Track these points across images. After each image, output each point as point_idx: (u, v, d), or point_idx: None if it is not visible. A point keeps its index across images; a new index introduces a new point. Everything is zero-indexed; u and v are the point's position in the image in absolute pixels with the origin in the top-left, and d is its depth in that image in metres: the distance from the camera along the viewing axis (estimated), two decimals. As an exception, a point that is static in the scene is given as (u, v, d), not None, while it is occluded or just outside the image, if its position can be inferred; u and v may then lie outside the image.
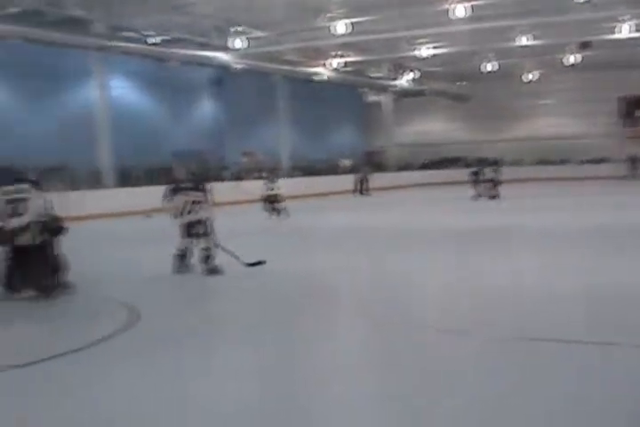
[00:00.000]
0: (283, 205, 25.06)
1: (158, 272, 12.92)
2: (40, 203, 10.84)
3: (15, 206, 10.67)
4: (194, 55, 34.40)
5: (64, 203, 23.73)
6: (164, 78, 37.43)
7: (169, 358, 7.31)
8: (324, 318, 9.06)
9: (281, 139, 42.97)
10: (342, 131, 54.13)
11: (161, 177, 32.23)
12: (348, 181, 40.30)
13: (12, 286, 10.79)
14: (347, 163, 47.87)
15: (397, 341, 7.82)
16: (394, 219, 24.36)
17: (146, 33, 32.90)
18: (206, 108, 43.96)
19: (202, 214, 12.74)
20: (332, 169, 45.59)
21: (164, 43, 33.25)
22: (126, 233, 22.00)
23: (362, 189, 39.71)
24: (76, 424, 5.61)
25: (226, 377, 6.60)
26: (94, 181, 31.57)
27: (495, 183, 31.92)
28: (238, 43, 33.41)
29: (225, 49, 34.39)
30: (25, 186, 10.93)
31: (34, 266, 10.73)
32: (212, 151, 40.52)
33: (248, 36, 34.28)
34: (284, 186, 26.45)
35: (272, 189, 25.16)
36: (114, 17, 30.68)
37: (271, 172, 27.57)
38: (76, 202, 26.50)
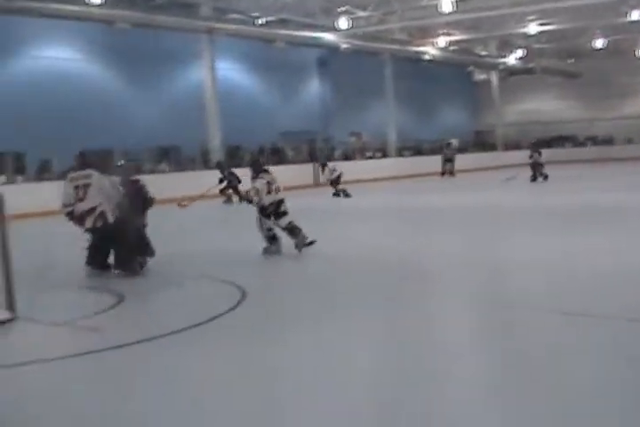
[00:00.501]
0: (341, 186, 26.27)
1: (250, 252, 13.02)
2: (104, 187, 11.12)
3: (81, 191, 11.04)
4: (300, 36, 34.53)
5: (170, 184, 24.47)
6: (271, 59, 37.63)
7: (283, 335, 7.42)
8: (429, 300, 9.06)
9: (388, 118, 42.81)
10: (450, 110, 53.72)
11: (269, 157, 32.66)
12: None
13: (95, 265, 11.27)
14: (455, 142, 47.56)
15: (513, 323, 7.67)
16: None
17: (252, 14, 33.15)
18: (313, 89, 44.09)
19: (282, 194, 12.95)
20: (440, 149, 45.30)
21: (271, 24, 33.44)
22: (230, 214, 22.29)
23: (449, 169, 39.21)
24: (188, 397, 5.85)
25: (336, 355, 6.62)
26: (204, 161, 32.05)
27: (534, 165, 30.63)
28: (344, 23, 33.34)
29: (331, 29, 34.41)
30: (89, 172, 11.26)
31: (107, 246, 11.18)
32: (320, 132, 40.71)
33: (354, 15, 34.27)
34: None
35: (335, 171, 26.28)
36: (221, -1, 31.10)
37: (327, 157, 27.91)
38: (186, 182, 26.95)
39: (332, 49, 38.04)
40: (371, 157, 40.91)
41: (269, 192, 12.77)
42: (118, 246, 11.11)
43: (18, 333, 8.07)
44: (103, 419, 5.29)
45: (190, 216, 21.45)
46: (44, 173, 26.72)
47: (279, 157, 35.43)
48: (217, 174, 25.80)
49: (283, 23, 33.84)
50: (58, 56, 30.88)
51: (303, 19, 34.29)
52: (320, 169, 26.47)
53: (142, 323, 8.34)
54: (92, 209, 10.92)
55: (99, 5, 26.66)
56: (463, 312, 8.37)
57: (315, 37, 35.05)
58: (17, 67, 29.98)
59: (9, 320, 8.16)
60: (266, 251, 12.86)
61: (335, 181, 26.43)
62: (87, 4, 26.33)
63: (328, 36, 35.22)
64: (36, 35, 29.92)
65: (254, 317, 8.30)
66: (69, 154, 24.11)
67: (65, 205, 11.15)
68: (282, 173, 25.60)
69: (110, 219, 10.97)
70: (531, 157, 30.71)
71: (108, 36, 30.19)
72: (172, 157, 32.26)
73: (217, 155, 31.65)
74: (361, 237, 15.11)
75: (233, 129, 31.89)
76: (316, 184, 32.83)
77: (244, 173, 17.35)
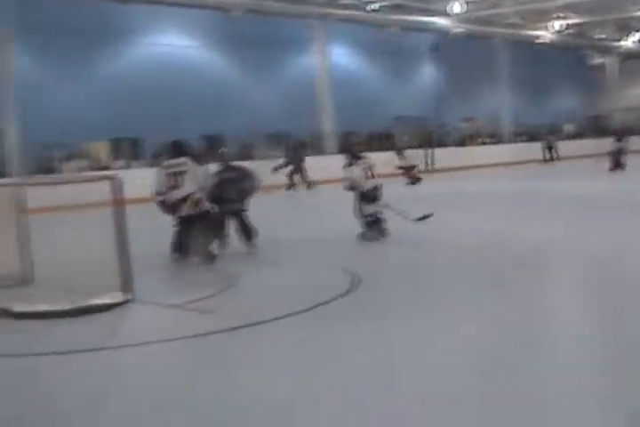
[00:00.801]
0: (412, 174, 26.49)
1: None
2: (198, 175, 11.26)
3: (175, 179, 11.16)
4: (413, 21, 34.37)
5: (283, 169, 24.69)
6: (384, 44, 37.45)
7: (393, 320, 7.40)
8: (536, 287, 8.92)
9: (502, 103, 42.35)
10: (565, 95, 52.66)
11: (382, 143, 32.66)
12: (565, 146, 39.47)
13: (180, 252, 11.33)
14: (570, 128, 46.73)
15: (621, 310, 7.52)
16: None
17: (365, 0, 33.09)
18: (426, 74, 43.78)
19: (379, 180, 13.17)
20: (551, 134, 44.54)
21: (384, 9, 33.32)
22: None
23: (551, 156, 38.63)
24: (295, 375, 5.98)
25: (452, 346, 6.51)
26: (316, 147, 32.18)
27: (614, 154, 29.23)
28: (457, 7, 33.02)
29: (444, 14, 34.14)
30: (183, 159, 11.39)
31: (195, 234, 11.23)
32: (432, 117, 40.44)
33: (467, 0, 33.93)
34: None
35: (406, 159, 26.48)
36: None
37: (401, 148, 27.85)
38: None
39: (445, 33, 37.74)
40: (484, 143, 40.56)
41: (367, 178, 12.89)
42: (199, 235, 11.19)
43: (133, 315, 8.28)
44: (215, 400, 5.38)
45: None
46: (158, 158, 27.20)
47: (391, 142, 35.36)
48: (328, 160, 26.04)
49: (396, 8, 33.67)
50: (173, 43, 31.32)
51: (416, 3, 34.05)
52: (397, 155, 26.44)
53: (254, 306, 8.42)
54: (187, 196, 11.07)
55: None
56: (576, 300, 8.25)
57: (428, 22, 34.85)
58: (134, 54, 30.53)
59: (125, 302, 8.35)
60: (363, 236, 12.93)
61: (409, 169, 26.32)
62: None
63: (441, 21, 34.98)
64: (151, 22, 30.44)
65: (365, 301, 8.35)
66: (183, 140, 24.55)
67: (157, 194, 11.29)
68: (392, 159, 25.98)
69: (204, 207, 11.11)
70: (614, 144, 29.74)
71: (222, 23, 30.56)
72: (283, 143, 32.44)
73: (329, 140, 31.78)
74: (465, 224, 14.95)
75: (345, 114, 31.95)
76: (427, 170, 32.70)
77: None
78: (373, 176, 13.04)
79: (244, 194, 12.06)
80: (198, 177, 11.26)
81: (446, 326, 7.06)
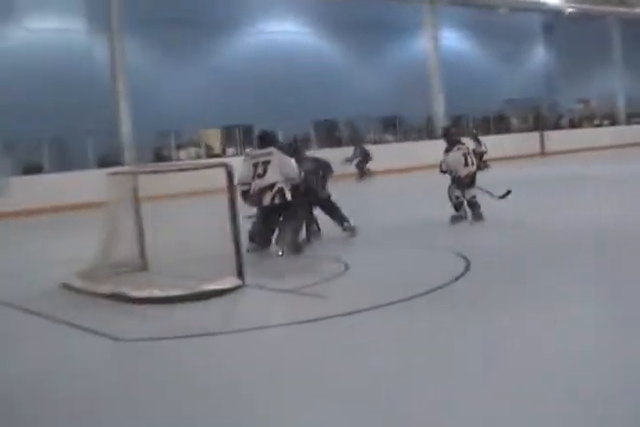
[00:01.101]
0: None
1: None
2: (283, 165, 11.18)
3: (260, 168, 11.09)
4: (523, 1, 33.96)
5: (394, 154, 24.63)
6: (494, 26, 37.04)
7: (507, 306, 7.23)
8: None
9: (616, 84, 41.46)
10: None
11: (494, 125, 32.35)
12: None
13: (260, 241, 11.25)
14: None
15: None
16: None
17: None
18: (537, 55, 43.18)
19: (474, 167, 13.31)
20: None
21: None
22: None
23: None
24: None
25: (548, 331, 6.39)
26: (427, 131, 32.05)
27: None
28: (569, -14, 32.58)
29: (556, -7, 33.70)
30: (270, 149, 11.33)
31: (282, 225, 11.19)
32: (545, 99, 39.85)
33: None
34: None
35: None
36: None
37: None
38: (410, 152, 27.06)
39: (557, 13, 37.15)
40: (599, 125, 39.81)
41: (466, 165, 13.00)
42: (285, 225, 11.17)
43: (247, 299, 8.36)
44: (335, 384, 5.42)
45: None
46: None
47: (504, 125, 35.01)
48: (438, 144, 25.91)
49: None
50: (282, 30, 31.47)
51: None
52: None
53: (366, 291, 8.40)
54: (272, 185, 11.00)
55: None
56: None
57: (538, 2, 34.34)
58: (243, 42, 30.83)
59: (238, 287, 8.44)
60: (454, 219, 13.11)
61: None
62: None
63: (552, 1, 34.43)
64: (259, 10, 30.68)
65: (479, 286, 8.28)
66: (294, 126, 24.72)
67: (241, 184, 11.15)
68: (505, 142, 25.67)
69: (287, 196, 11.10)
70: None
71: (331, 8, 30.60)
72: (396, 128, 32.42)
73: (441, 124, 31.64)
74: (561, 208, 14.63)
75: (456, 98, 31.72)
76: (542, 153, 32.26)
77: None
78: (472, 163, 13.18)
79: (324, 183, 12.13)
80: (284, 168, 11.26)
81: (559, 312, 6.87)
